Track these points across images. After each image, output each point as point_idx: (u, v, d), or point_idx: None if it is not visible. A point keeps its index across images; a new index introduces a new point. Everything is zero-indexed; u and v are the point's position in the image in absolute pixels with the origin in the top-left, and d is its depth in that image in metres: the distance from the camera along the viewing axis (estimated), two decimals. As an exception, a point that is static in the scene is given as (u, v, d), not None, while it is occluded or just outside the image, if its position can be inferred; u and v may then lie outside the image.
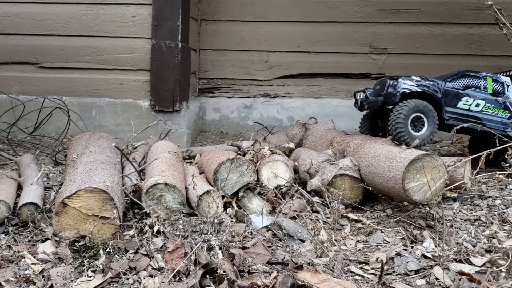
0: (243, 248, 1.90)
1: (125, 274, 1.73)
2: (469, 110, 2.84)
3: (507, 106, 2.86)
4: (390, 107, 2.85)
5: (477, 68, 4.36)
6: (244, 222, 2.21)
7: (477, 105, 2.83)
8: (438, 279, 1.71)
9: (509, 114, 2.86)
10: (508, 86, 2.91)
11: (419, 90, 2.76)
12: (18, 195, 2.42)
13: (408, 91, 2.76)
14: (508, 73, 3.08)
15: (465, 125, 2.62)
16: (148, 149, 3.04)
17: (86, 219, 1.95)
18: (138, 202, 2.22)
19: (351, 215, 2.32)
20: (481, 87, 2.88)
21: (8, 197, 2.29)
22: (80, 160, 2.39)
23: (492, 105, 2.85)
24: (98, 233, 1.96)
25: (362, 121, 3.22)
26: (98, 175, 2.14)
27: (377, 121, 3.12)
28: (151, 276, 1.73)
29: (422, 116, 2.69)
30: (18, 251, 1.93)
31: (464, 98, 2.83)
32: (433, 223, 2.21)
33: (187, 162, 3.26)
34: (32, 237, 2.10)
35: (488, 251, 1.93)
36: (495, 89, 2.91)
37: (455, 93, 2.83)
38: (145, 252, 1.88)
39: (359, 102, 3.08)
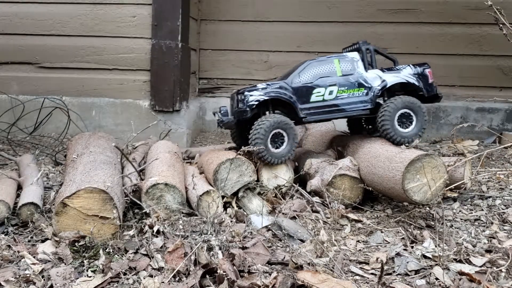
0: (243, 248, 1.90)
1: (125, 274, 1.73)
2: (324, 100, 2.64)
3: (361, 83, 2.66)
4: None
5: (477, 69, 4.38)
6: (244, 222, 2.21)
7: (331, 93, 2.64)
8: (438, 279, 1.71)
9: (365, 91, 2.66)
10: (356, 61, 2.70)
11: (267, 98, 2.58)
12: (18, 195, 2.42)
13: (256, 103, 2.57)
14: (354, 47, 2.83)
15: (319, 117, 2.62)
16: (148, 149, 3.04)
17: (86, 219, 1.95)
18: (138, 202, 2.22)
19: (351, 215, 2.32)
20: (330, 72, 2.67)
21: (8, 197, 2.29)
22: (80, 160, 2.39)
23: (346, 88, 2.65)
24: (98, 233, 1.96)
25: (232, 130, 2.95)
26: (98, 175, 2.14)
27: (247, 127, 2.77)
28: (151, 276, 1.73)
29: (282, 132, 2.53)
30: (18, 251, 1.93)
31: (315, 90, 2.63)
32: (433, 223, 2.21)
33: (186, 162, 3.26)
34: (32, 237, 2.10)
35: (488, 251, 1.93)
36: (344, 70, 2.67)
37: (305, 88, 2.63)
38: (145, 252, 1.88)
39: (217, 123, 2.79)
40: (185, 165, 3.06)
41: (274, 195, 2.49)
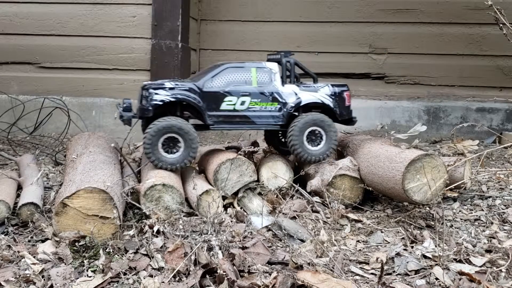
0: (243, 248, 1.90)
1: (125, 274, 1.73)
2: (235, 110, 2.49)
3: (275, 97, 2.51)
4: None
5: (477, 69, 4.38)
6: (244, 222, 2.21)
7: (243, 103, 2.49)
8: (438, 279, 1.71)
9: (278, 106, 2.52)
10: (274, 73, 2.54)
11: (172, 100, 2.40)
12: (18, 195, 2.42)
13: (161, 103, 2.39)
14: (276, 56, 2.68)
15: (227, 127, 2.50)
16: (141, 150, 3.04)
17: (86, 219, 1.95)
18: (137, 204, 2.21)
19: (351, 215, 2.32)
20: (245, 80, 2.50)
21: (8, 197, 2.29)
22: (79, 160, 2.39)
23: (259, 100, 2.50)
24: (98, 233, 1.96)
25: (142, 122, 2.67)
26: (98, 175, 2.14)
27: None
28: (151, 276, 1.73)
29: (177, 137, 2.37)
30: (18, 251, 1.93)
31: (227, 98, 2.47)
32: (433, 223, 2.21)
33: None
34: (32, 237, 2.10)
35: (488, 251, 1.93)
36: (260, 80, 2.52)
37: (216, 94, 2.47)
38: (145, 252, 1.88)
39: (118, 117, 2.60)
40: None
41: (275, 196, 2.49)
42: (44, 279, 1.73)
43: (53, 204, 2.31)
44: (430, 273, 1.75)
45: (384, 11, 4.42)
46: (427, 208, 2.35)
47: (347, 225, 2.26)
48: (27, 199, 2.27)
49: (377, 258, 1.85)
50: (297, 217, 2.28)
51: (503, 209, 2.34)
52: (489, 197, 2.49)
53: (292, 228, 2.13)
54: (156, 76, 3.89)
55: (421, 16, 4.39)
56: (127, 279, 1.72)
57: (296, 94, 2.56)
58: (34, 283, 1.71)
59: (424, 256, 1.89)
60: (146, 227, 2.06)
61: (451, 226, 2.21)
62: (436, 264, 1.82)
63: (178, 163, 2.40)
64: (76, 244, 1.91)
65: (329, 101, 2.60)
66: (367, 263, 1.88)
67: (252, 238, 2.01)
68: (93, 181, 2.03)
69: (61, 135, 3.81)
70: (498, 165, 3.28)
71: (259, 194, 2.51)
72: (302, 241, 2.05)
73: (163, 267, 1.78)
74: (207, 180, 2.52)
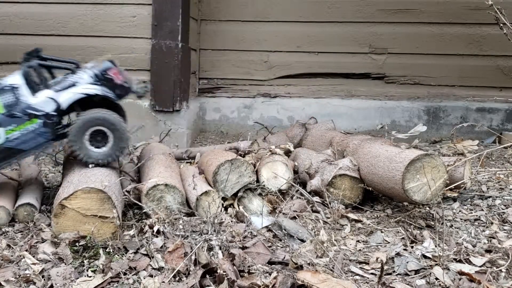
0: (243, 248, 1.90)
1: (125, 274, 1.74)
2: None
3: (31, 113, 2.18)
4: None
5: (477, 69, 4.38)
6: (244, 222, 2.21)
7: None
8: (438, 279, 1.71)
9: (40, 120, 2.20)
10: (17, 88, 2.18)
11: None
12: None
13: None
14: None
15: None
16: (140, 151, 3.06)
17: (85, 220, 1.95)
18: (139, 203, 2.22)
19: (351, 215, 2.32)
20: None
21: (7, 202, 2.29)
22: (77, 160, 2.38)
23: (15, 125, 2.18)
24: (98, 233, 1.96)
25: None
26: (95, 175, 2.14)
27: None
28: (151, 276, 1.73)
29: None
30: (19, 251, 1.93)
31: None
32: (433, 223, 2.21)
33: (187, 162, 3.26)
34: (32, 237, 2.10)
35: (488, 251, 1.93)
36: (7, 103, 2.16)
37: None
38: (145, 252, 1.88)
39: None
40: (185, 165, 3.07)
41: (275, 196, 2.49)
42: (44, 279, 1.73)
43: (51, 204, 2.31)
44: (430, 273, 1.75)
45: (384, 11, 4.42)
46: (427, 208, 2.35)
47: (347, 225, 2.26)
48: (24, 200, 2.27)
49: (377, 258, 1.85)
50: (297, 217, 2.28)
51: (503, 209, 2.34)
52: (489, 197, 2.49)
53: (292, 228, 2.13)
54: (156, 76, 3.89)
55: (421, 16, 4.39)
56: (127, 279, 1.72)
57: (53, 99, 2.21)
58: (34, 283, 1.71)
59: (424, 256, 1.89)
60: (146, 227, 2.06)
61: (451, 226, 2.21)
62: (436, 264, 1.82)
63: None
64: (77, 244, 1.91)
65: (95, 90, 2.24)
66: (367, 263, 1.88)
67: (252, 238, 2.01)
68: (91, 182, 2.03)
69: (61, 135, 3.80)
70: (498, 165, 3.28)
71: (259, 194, 2.51)
72: (302, 241, 2.05)
73: (163, 267, 1.78)
74: (207, 181, 2.52)
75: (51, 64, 2.38)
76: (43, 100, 2.21)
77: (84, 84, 2.25)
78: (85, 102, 2.28)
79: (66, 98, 2.22)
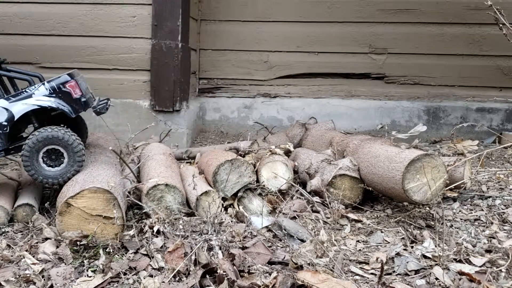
0: (243, 248, 1.90)
1: (125, 274, 1.74)
2: None
3: None
4: None
5: (477, 69, 4.38)
6: (244, 222, 2.21)
7: None
8: (438, 279, 1.71)
9: None
10: None
11: None
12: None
13: None
14: None
15: None
16: (140, 151, 3.06)
17: (89, 219, 1.96)
18: (140, 203, 2.22)
19: (351, 215, 2.32)
20: None
21: (7, 202, 2.29)
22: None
23: None
24: (101, 233, 1.96)
25: None
26: (101, 175, 2.14)
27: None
28: (151, 276, 1.73)
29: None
30: (19, 251, 1.93)
31: None
32: (433, 223, 2.21)
33: (187, 162, 3.26)
34: (32, 237, 2.10)
35: (488, 251, 1.93)
36: None
37: None
38: (145, 252, 1.88)
39: None
40: (185, 165, 3.07)
41: (275, 196, 2.49)
42: (44, 279, 1.73)
43: (50, 203, 2.31)
44: (430, 273, 1.75)
45: (384, 11, 4.42)
46: (427, 208, 2.35)
47: (347, 225, 2.26)
48: (22, 201, 2.28)
49: (377, 258, 1.85)
50: (297, 217, 2.28)
51: (503, 209, 2.34)
52: (489, 197, 2.49)
53: (292, 228, 2.13)
54: (156, 76, 3.89)
55: (421, 16, 4.39)
56: (127, 279, 1.72)
57: (6, 109, 2.21)
58: (34, 283, 1.71)
59: (424, 256, 1.90)
60: (146, 227, 2.06)
61: (451, 226, 2.21)
62: (436, 264, 1.82)
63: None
64: (77, 243, 1.91)
65: (49, 102, 2.23)
66: (367, 263, 1.88)
67: (252, 238, 2.01)
68: (97, 181, 2.03)
69: (61, 135, 3.80)
70: (498, 165, 3.28)
71: (259, 194, 2.51)
72: (302, 241, 2.05)
73: (163, 267, 1.78)
74: (207, 181, 2.52)
75: (9, 75, 2.41)
76: None
77: (39, 96, 2.24)
78: (46, 116, 2.27)
79: (19, 109, 2.22)
